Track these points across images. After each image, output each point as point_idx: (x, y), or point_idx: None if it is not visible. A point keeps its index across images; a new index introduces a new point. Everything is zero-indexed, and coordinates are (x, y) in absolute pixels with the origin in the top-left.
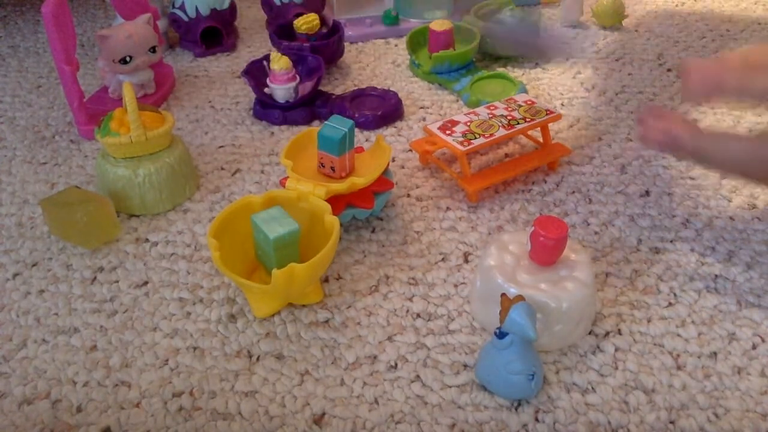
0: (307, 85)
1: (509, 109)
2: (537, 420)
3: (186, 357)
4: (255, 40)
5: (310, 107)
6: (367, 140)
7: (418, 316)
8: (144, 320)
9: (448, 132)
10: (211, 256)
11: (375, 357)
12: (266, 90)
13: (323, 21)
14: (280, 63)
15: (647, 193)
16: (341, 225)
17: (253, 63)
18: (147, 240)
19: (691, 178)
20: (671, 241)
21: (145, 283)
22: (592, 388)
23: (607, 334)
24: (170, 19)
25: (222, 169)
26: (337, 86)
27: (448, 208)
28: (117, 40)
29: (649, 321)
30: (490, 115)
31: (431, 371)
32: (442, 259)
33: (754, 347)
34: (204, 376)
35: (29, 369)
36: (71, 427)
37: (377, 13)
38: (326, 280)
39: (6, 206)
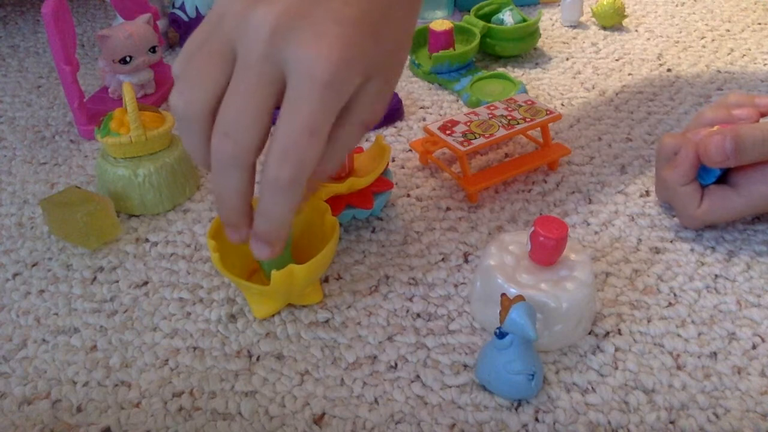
0: None
1: (509, 109)
2: (537, 420)
3: (186, 357)
4: None
5: None
6: (367, 140)
7: (418, 316)
8: (144, 320)
9: (448, 132)
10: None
11: (375, 357)
12: None
13: None
14: None
15: (647, 193)
16: (341, 225)
17: None
18: (147, 240)
19: None
20: (671, 241)
21: (145, 283)
22: (592, 388)
23: (607, 334)
24: (170, 19)
25: None
26: None
27: (448, 208)
28: (117, 40)
29: (649, 321)
30: (490, 115)
31: (431, 371)
32: (442, 260)
33: (754, 347)
34: (204, 376)
35: (29, 369)
36: (71, 427)
37: None
38: (326, 280)
39: (6, 206)
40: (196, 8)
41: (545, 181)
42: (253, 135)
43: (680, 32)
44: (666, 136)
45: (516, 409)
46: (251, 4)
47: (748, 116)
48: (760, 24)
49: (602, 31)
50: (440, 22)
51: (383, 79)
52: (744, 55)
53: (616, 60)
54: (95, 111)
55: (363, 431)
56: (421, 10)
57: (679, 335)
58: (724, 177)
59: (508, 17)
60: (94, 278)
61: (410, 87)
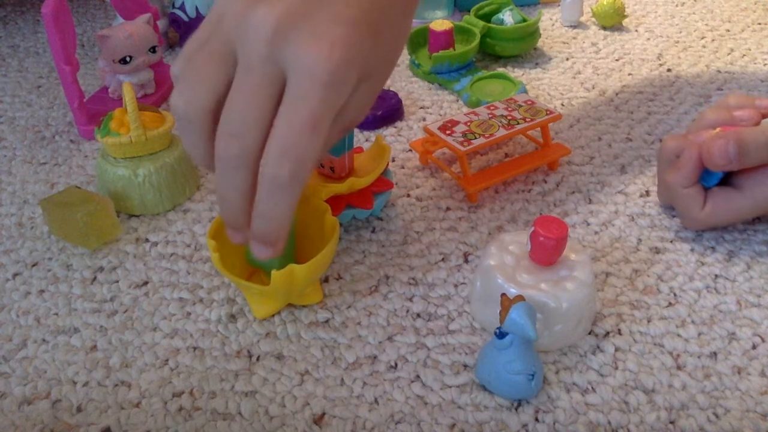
0: None
1: (509, 109)
2: (537, 420)
3: (186, 357)
4: None
5: None
6: (367, 140)
7: (418, 316)
8: (144, 320)
9: (448, 132)
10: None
11: (375, 357)
12: None
13: None
14: None
15: (647, 193)
16: (341, 225)
17: None
18: (147, 240)
19: None
20: (671, 241)
21: (145, 283)
22: (592, 388)
23: (607, 334)
24: (170, 19)
25: None
26: None
27: (448, 208)
28: (117, 40)
29: (649, 321)
30: (490, 115)
31: (431, 371)
32: (442, 260)
33: (754, 347)
34: (204, 376)
35: (29, 369)
36: (71, 427)
37: None
38: (326, 280)
39: (6, 206)
40: (196, 8)
41: (545, 181)
42: (258, 135)
43: (680, 32)
44: (668, 138)
45: (516, 409)
46: (251, 4)
47: (749, 117)
48: (760, 24)
49: (602, 31)
50: (440, 22)
51: (377, 79)
52: (744, 55)
53: (616, 60)
54: (95, 111)
55: (363, 431)
56: (421, 10)
57: (679, 335)
58: (727, 178)
59: (508, 17)
60: (94, 278)
61: (410, 87)
